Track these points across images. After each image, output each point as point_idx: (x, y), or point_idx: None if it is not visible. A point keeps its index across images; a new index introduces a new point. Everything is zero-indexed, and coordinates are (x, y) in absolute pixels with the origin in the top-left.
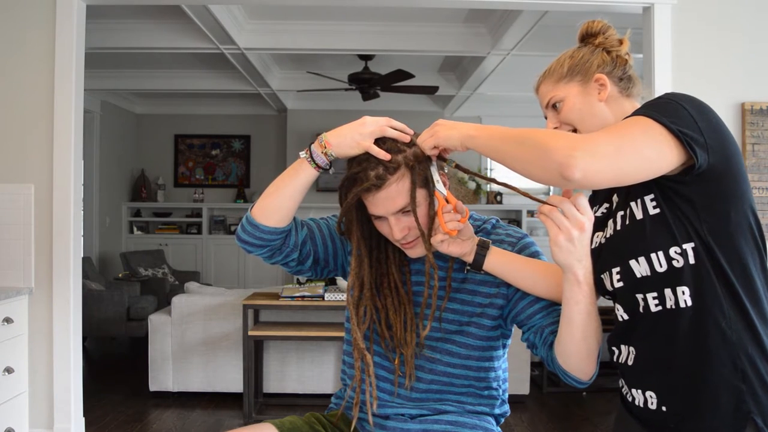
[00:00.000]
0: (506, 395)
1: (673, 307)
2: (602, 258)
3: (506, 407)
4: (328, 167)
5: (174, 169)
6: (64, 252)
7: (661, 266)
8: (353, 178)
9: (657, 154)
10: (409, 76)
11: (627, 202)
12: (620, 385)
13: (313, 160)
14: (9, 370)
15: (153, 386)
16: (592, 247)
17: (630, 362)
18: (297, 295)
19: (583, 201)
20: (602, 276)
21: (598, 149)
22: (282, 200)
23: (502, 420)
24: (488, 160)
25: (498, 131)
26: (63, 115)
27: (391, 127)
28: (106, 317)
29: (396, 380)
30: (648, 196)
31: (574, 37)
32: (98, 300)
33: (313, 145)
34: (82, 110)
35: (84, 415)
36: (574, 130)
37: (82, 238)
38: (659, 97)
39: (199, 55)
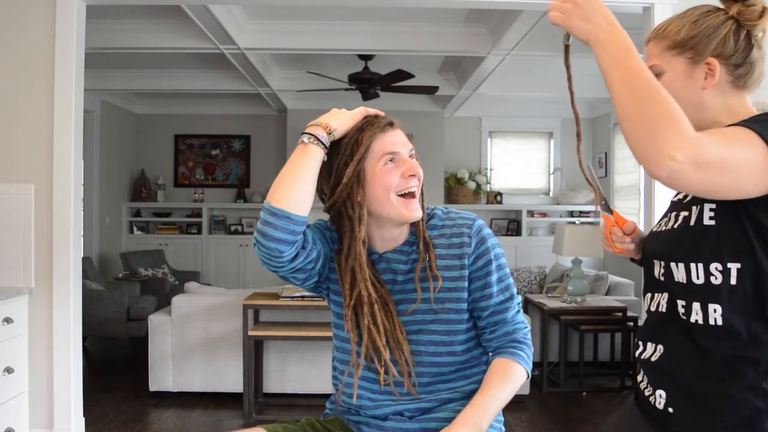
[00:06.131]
0: None
1: (700, 322)
2: (657, 244)
3: None
4: (328, 150)
5: (174, 169)
6: (64, 252)
7: (698, 278)
8: (361, 128)
9: (753, 182)
10: (409, 76)
11: (689, 205)
12: (639, 379)
13: (321, 142)
14: (9, 370)
15: (153, 386)
16: (655, 229)
17: (653, 359)
18: (297, 295)
19: None
20: (654, 261)
21: (703, 160)
22: (306, 186)
23: None
24: (488, 159)
25: (626, 58)
26: (63, 115)
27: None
28: (106, 317)
29: (390, 379)
30: (709, 205)
31: (573, 37)
32: (98, 300)
33: (310, 131)
34: (82, 110)
35: (84, 415)
36: None
37: (82, 238)
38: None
39: (199, 55)
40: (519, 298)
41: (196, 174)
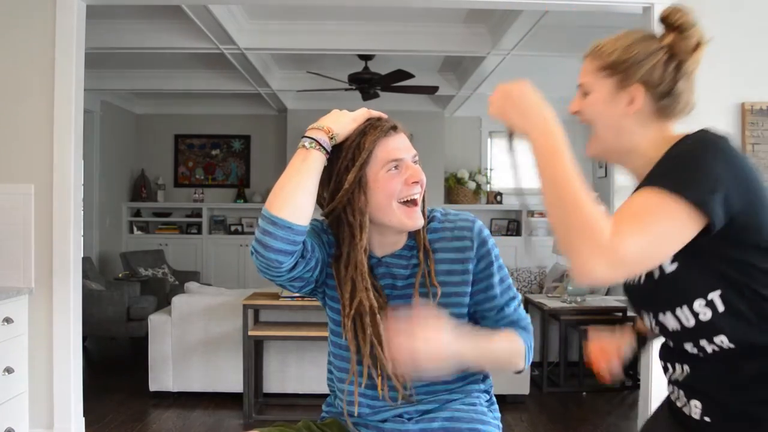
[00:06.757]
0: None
1: (717, 350)
2: (634, 298)
3: (491, 380)
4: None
5: (174, 169)
6: (64, 252)
7: (688, 321)
8: (363, 131)
9: (678, 243)
10: (409, 76)
11: None
12: (669, 390)
13: (322, 147)
14: (9, 370)
15: (153, 386)
16: (630, 282)
17: (681, 379)
18: (297, 295)
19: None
20: (641, 312)
21: (623, 261)
22: (308, 194)
23: (493, 398)
24: (488, 159)
25: (554, 161)
26: (63, 115)
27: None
28: (106, 317)
29: (385, 389)
30: None
31: (573, 37)
32: (98, 300)
33: (311, 135)
34: (82, 110)
35: (84, 415)
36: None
37: (82, 238)
38: (683, 151)
39: (199, 55)
40: (520, 296)
41: (196, 174)
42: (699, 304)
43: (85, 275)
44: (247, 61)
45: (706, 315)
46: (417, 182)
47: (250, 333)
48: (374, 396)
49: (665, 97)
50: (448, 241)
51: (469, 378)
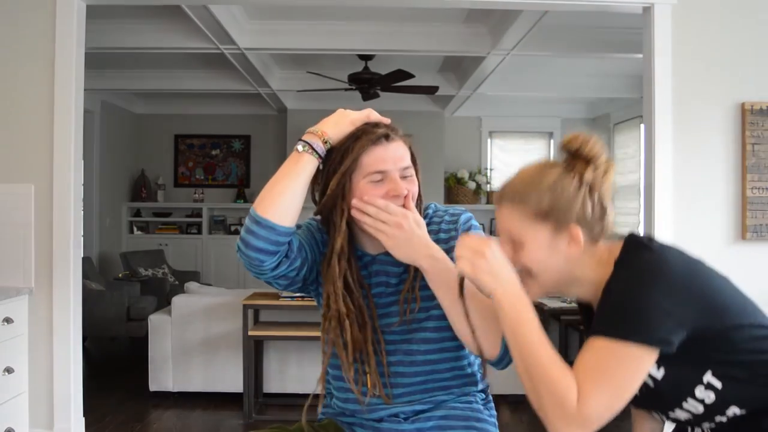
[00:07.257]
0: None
1: (732, 417)
2: (639, 403)
3: (487, 380)
4: (323, 157)
5: (174, 169)
6: (64, 252)
7: (697, 409)
8: (355, 136)
9: (640, 380)
10: (409, 76)
11: None
12: None
13: (315, 151)
14: (9, 370)
15: (153, 386)
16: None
17: None
18: (297, 295)
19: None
20: (651, 413)
21: (593, 418)
22: (295, 197)
23: (490, 396)
24: (488, 159)
25: (523, 326)
26: (63, 115)
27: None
28: (106, 317)
29: (369, 388)
30: None
31: (573, 38)
32: (98, 300)
33: (306, 139)
34: (82, 110)
35: (84, 415)
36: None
37: (82, 238)
38: (620, 287)
39: (199, 55)
40: None
41: (196, 174)
42: (700, 391)
43: (85, 275)
44: (247, 61)
45: (710, 397)
46: (397, 196)
47: (250, 333)
48: (365, 392)
49: (597, 225)
50: (434, 234)
51: (466, 378)
